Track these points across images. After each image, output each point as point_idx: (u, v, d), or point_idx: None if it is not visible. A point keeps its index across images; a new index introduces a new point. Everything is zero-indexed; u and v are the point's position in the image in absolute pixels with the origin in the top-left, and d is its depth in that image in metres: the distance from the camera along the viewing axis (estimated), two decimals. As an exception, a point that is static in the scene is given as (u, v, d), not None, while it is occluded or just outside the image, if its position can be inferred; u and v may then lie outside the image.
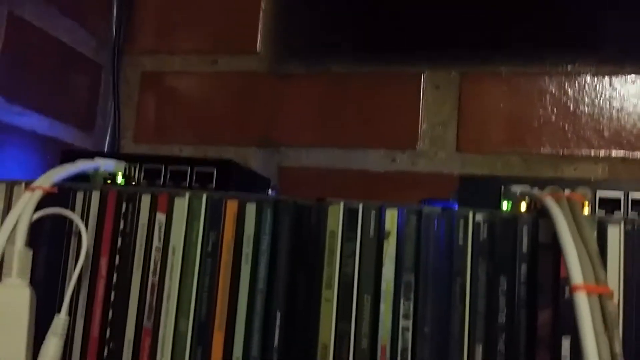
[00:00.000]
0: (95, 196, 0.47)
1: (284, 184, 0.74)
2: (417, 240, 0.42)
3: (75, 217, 0.45)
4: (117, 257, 0.46)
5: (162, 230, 0.46)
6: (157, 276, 0.45)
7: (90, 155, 0.53)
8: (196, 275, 0.45)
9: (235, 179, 0.55)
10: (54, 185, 0.45)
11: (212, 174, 0.54)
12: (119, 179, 0.55)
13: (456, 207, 0.56)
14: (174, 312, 0.45)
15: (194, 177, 0.54)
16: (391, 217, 0.43)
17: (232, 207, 0.45)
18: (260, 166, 0.75)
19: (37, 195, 0.44)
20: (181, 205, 0.46)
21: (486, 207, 0.47)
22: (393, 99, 0.73)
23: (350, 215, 0.43)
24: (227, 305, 0.44)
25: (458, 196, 0.52)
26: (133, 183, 0.55)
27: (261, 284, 0.44)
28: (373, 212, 0.43)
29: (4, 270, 0.41)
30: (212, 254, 0.45)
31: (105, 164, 0.52)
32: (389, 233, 0.42)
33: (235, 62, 0.79)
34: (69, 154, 0.57)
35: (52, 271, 0.47)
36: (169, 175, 0.55)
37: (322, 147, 0.74)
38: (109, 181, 0.53)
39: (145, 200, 0.47)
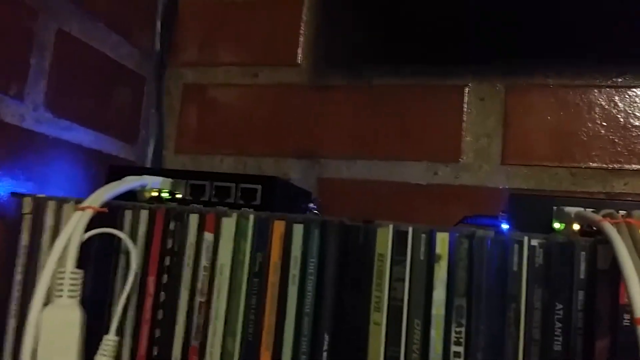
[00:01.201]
0: (144, 215, 0.48)
1: (324, 196, 0.74)
2: (469, 264, 0.41)
3: (125, 237, 0.46)
4: (165, 275, 0.47)
5: (210, 249, 0.46)
6: (205, 295, 0.45)
7: (136, 171, 0.53)
8: (243, 295, 0.45)
9: (279, 195, 0.55)
10: (104, 205, 0.45)
11: (257, 190, 0.54)
12: (165, 195, 0.55)
13: (503, 224, 0.55)
14: (221, 332, 0.45)
15: (239, 194, 0.54)
16: (442, 241, 0.42)
17: (278, 227, 0.45)
18: (300, 178, 0.75)
19: (88, 215, 0.44)
20: (229, 224, 0.46)
21: (535, 225, 0.46)
22: (436, 112, 0.72)
23: (399, 238, 0.43)
24: (275, 326, 0.44)
25: (507, 213, 0.51)
26: (178, 198, 0.55)
27: (308, 306, 0.44)
28: (423, 235, 0.42)
29: (55, 291, 0.42)
30: (259, 274, 0.45)
31: (152, 181, 0.53)
32: (440, 256, 0.42)
33: (275, 75, 0.79)
34: (116, 170, 0.57)
35: (100, 290, 0.47)
36: (214, 191, 0.55)
37: (362, 159, 0.73)
38: (155, 195, 0.54)
39: (193, 219, 0.47)
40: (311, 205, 0.65)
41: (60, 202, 0.49)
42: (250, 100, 0.79)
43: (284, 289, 0.44)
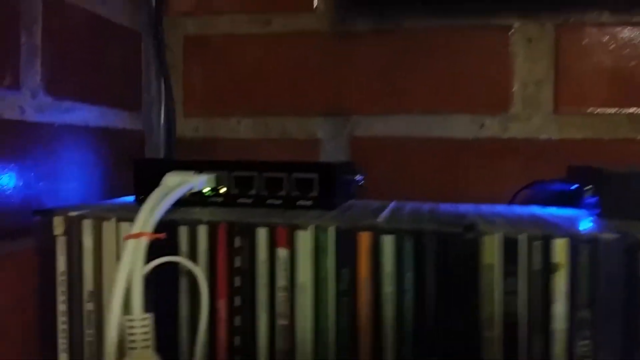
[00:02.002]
0: (203, 231, 0.41)
1: (357, 157, 0.68)
2: (591, 273, 0.37)
3: (192, 266, 0.39)
4: (238, 298, 0.41)
5: (287, 267, 0.40)
6: (287, 318, 0.40)
7: (166, 164, 0.47)
8: (333, 316, 0.40)
9: (338, 183, 0.49)
10: (157, 229, 0.39)
11: (313, 180, 0.48)
12: (207, 192, 0.48)
13: (573, 188, 0.50)
14: (309, 358, 0.40)
15: (293, 185, 0.48)
16: (560, 247, 0.37)
17: (364, 239, 0.39)
18: (329, 138, 0.69)
19: (144, 244, 0.38)
20: (304, 239, 0.40)
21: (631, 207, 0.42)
22: (478, 57, 0.65)
23: (508, 246, 0.38)
24: (371, 350, 0.39)
25: (596, 193, 0.46)
26: (222, 193, 0.49)
27: (409, 326, 0.39)
28: (537, 243, 0.37)
29: (128, 343, 0.36)
30: (348, 293, 0.40)
31: (198, 182, 0.46)
32: (558, 265, 0.37)
33: (290, 21, 0.69)
34: (143, 164, 0.50)
35: (164, 316, 0.41)
36: (263, 183, 0.48)
37: (399, 114, 0.67)
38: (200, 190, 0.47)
39: (262, 234, 0.40)
40: (358, 177, 0.59)
41: (99, 220, 0.42)
42: (264, 52, 0.70)
43: (378, 308, 0.39)
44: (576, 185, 0.53)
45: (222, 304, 0.41)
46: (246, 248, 0.41)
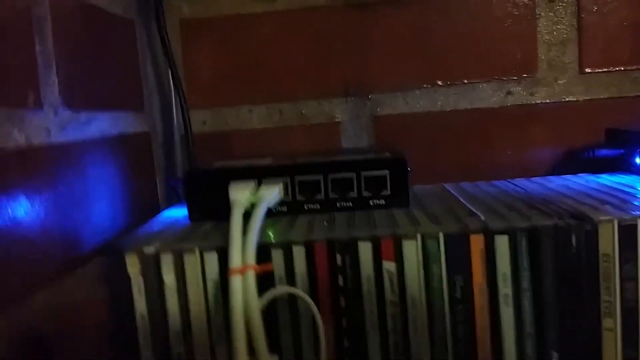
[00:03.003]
0: (299, 252, 0.38)
1: (381, 136, 0.65)
2: None
3: (305, 296, 0.36)
4: (343, 319, 0.38)
5: (395, 280, 0.38)
6: (400, 334, 0.38)
7: (218, 174, 0.43)
8: (448, 327, 0.38)
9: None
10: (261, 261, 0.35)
11: (385, 177, 0.45)
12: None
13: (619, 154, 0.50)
14: (427, 372, 0.38)
15: (363, 185, 0.45)
16: (679, 230, 0.36)
17: (477, 242, 0.37)
18: (350, 119, 0.65)
19: (252, 279, 0.34)
20: (411, 248, 0.38)
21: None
22: (500, 21, 0.63)
23: (626, 233, 0.37)
24: (491, 355, 0.38)
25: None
26: (286, 201, 0.45)
27: (529, 327, 0.38)
28: (656, 227, 0.37)
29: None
30: (462, 301, 0.38)
31: (273, 196, 0.42)
32: (678, 249, 0.36)
33: (298, -4, 0.65)
34: (194, 176, 0.46)
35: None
36: (330, 186, 0.45)
37: (421, 88, 0.64)
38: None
39: (365, 248, 0.38)
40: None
41: (180, 252, 0.38)
42: (271, 32, 0.65)
43: (495, 312, 0.38)
44: (621, 151, 0.53)
45: (328, 328, 0.38)
46: (349, 265, 0.38)
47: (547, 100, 0.63)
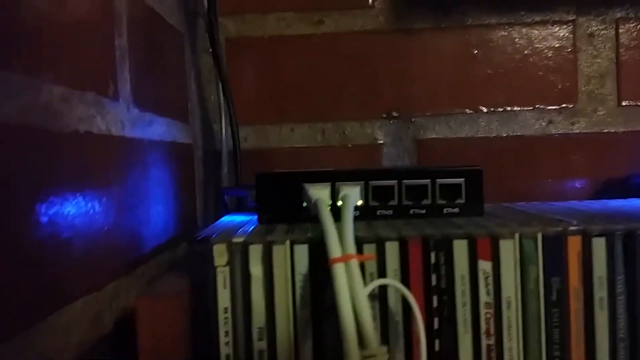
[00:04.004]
0: (392, 248, 0.37)
1: (423, 160, 0.65)
2: None
3: (405, 290, 0.35)
4: (436, 319, 0.37)
5: (490, 281, 0.37)
6: (493, 337, 0.37)
7: (289, 178, 0.42)
8: (542, 330, 0.37)
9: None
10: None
11: (460, 185, 0.45)
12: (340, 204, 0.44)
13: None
14: (520, 377, 0.37)
15: (437, 192, 0.45)
16: None
17: (574, 244, 0.37)
18: (393, 141, 0.66)
19: (356, 267, 0.33)
20: (508, 248, 0.37)
21: None
22: (542, 53, 0.65)
23: None
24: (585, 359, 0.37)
25: None
26: (359, 205, 0.44)
27: (622, 332, 0.37)
28: None
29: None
30: (557, 304, 0.37)
31: (356, 195, 0.42)
32: None
33: (345, 19, 0.66)
34: (266, 178, 0.45)
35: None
36: (404, 192, 0.45)
37: (465, 114, 0.65)
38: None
39: (460, 246, 0.37)
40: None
41: (268, 244, 0.37)
42: (316, 53, 0.66)
43: (590, 317, 0.37)
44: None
45: (418, 327, 0.37)
46: (444, 264, 0.37)
47: (586, 131, 0.64)
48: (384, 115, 0.65)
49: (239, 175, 0.61)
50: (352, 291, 0.32)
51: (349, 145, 0.66)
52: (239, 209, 0.59)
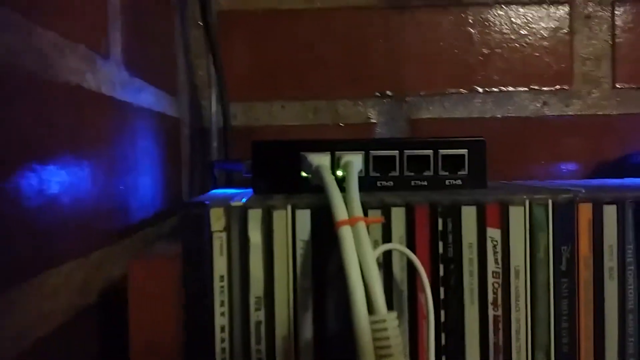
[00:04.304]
0: (398, 214, 0.36)
1: (417, 139, 0.64)
2: None
3: (410, 254, 0.33)
4: (442, 289, 0.36)
5: (498, 249, 0.36)
6: (500, 308, 0.36)
7: (285, 147, 0.41)
8: (551, 300, 0.36)
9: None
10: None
11: (463, 156, 0.43)
12: (341, 174, 0.42)
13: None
14: (527, 349, 0.36)
15: (439, 163, 0.43)
16: None
17: (585, 211, 0.36)
18: (386, 121, 0.64)
19: (363, 230, 0.32)
20: (518, 215, 0.36)
21: None
22: (537, 33, 0.64)
23: None
24: (593, 331, 0.36)
25: None
26: (360, 176, 0.43)
27: (632, 302, 0.36)
28: None
29: (377, 351, 0.29)
30: (567, 273, 0.36)
31: (358, 163, 0.40)
32: None
33: (339, -5, 0.64)
34: (262, 147, 0.43)
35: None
36: (405, 163, 0.43)
37: (460, 94, 0.64)
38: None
39: (469, 213, 0.36)
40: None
41: (268, 208, 0.35)
42: (309, 29, 0.64)
43: (599, 287, 0.36)
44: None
45: (423, 298, 0.36)
46: (451, 231, 0.36)
47: (581, 113, 0.64)
48: (378, 94, 0.64)
49: (228, 152, 0.58)
50: (360, 255, 0.31)
51: (341, 124, 0.64)
52: (228, 184, 0.57)
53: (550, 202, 0.36)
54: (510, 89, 0.64)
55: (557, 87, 0.64)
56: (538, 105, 0.64)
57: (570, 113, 0.64)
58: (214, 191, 0.49)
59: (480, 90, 0.64)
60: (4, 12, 0.26)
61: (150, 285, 0.33)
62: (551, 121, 0.64)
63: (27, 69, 0.28)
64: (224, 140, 0.59)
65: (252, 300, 0.35)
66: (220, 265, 0.35)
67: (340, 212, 0.32)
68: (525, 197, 0.36)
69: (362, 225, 0.32)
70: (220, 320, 0.35)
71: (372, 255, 0.31)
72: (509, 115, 0.64)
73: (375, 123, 0.64)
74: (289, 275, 0.35)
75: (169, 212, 0.54)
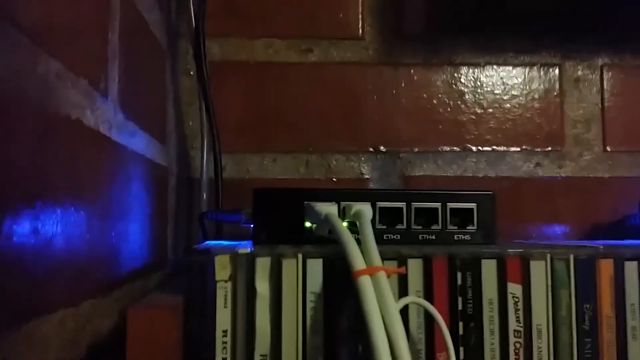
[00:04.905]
0: (415, 266, 0.34)
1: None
2: None
3: (434, 311, 0.31)
4: (462, 349, 0.33)
5: (520, 306, 0.34)
6: (522, 370, 0.34)
7: (288, 195, 0.39)
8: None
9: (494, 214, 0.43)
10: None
11: (472, 211, 0.42)
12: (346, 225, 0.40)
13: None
14: (551, 416, 0.33)
15: (447, 217, 0.42)
16: None
17: (606, 268, 0.35)
18: (380, 177, 0.63)
19: (384, 280, 0.30)
20: (540, 270, 0.34)
21: None
22: (528, 95, 0.65)
23: None
24: (619, 396, 0.34)
25: None
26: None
27: (657, 364, 0.34)
28: None
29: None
30: (590, 333, 0.34)
31: (369, 213, 0.38)
32: None
33: (334, 50, 0.64)
34: (264, 194, 0.41)
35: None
36: (412, 216, 0.41)
37: (453, 152, 0.64)
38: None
39: (489, 266, 0.34)
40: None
41: (277, 257, 0.33)
42: (302, 83, 0.64)
43: (622, 347, 0.34)
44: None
45: (442, 358, 0.33)
46: (470, 286, 0.34)
47: (574, 175, 0.64)
48: (371, 149, 0.63)
49: (220, 204, 0.56)
50: (382, 307, 0.28)
51: (334, 179, 0.62)
52: (219, 237, 0.55)
53: (572, 257, 0.34)
54: (503, 148, 0.64)
55: (549, 148, 0.64)
56: (531, 166, 0.64)
57: (562, 174, 0.64)
58: (207, 243, 0.46)
59: (474, 149, 0.64)
60: (13, 32, 0.24)
61: (150, 336, 0.29)
62: (544, 182, 0.64)
63: (31, 95, 0.26)
64: (215, 191, 0.57)
65: (257, 359, 0.32)
66: (223, 318, 0.32)
67: (358, 261, 0.30)
68: (546, 251, 0.34)
69: (383, 276, 0.30)
70: (224, 383, 0.32)
71: (395, 308, 0.29)
72: (503, 175, 0.64)
73: (368, 179, 0.63)
74: (298, 330, 0.32)
75: (154, 266, 0.51)
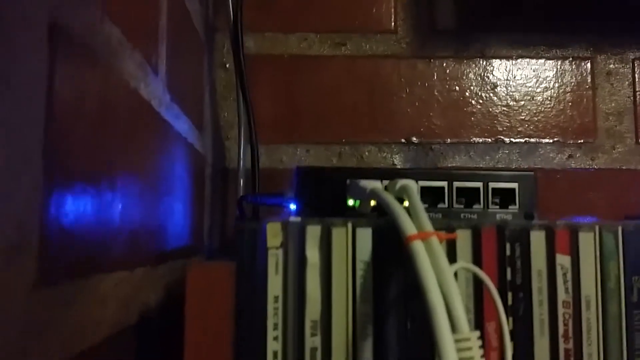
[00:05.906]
0: (464, 236, 0.34)
1: (442, 188, 0.63)
2: None
3: (486, 278, 0.31)
4: (511, 319, 0.33)
5: (568, 277, 0.34)
6: (571, 341, 0.34)
7: (330, 173, 0.39)
8: (623, 334, 0.34)
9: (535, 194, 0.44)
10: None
11: (514, 190, 0.42)
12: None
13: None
14: (601, 388, 0.33)
15: (489, 196, 0.42)
16: None
17: (655, 240, 0.35)
18: (411, 168, 0.63)
19: (437, 244, 0.30)
20: (588, 242, 0.34)
21: None
22: (562, 87, 0.65)
23: None
24: (669, 369, 0.34)
25: None
26: (405, 206, 0.41)
27: None
28: None
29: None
30: (638, 305, 0.34)
31: (412, 183, 0.38)
32: None
33: (367, 44, 0.65)
34: (306, 173, 0.42)
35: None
36: (454, 194, 0.42)
37: (486, 143, 0.64)
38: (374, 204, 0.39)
39: (537, 238, 0.34)
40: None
41: (327, 226, 0.33)
42: (336, 75, 0.64)
43: (672, 320, 0.34)
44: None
45: (491, 329, 0.33)
46: (519, 257, 0.34)
47: (606, 167, 0.64)
48: (403, 141, 0.63)
49: (256, 191, 0.57)
50: (436, 270, 0.29)
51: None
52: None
53: (620, 229, 0.34)
54: (536, 140, 0.64)
55: (582, 140, 0.64)
56: (564, 158, 0.64)
57: (595, 166, 0.64)
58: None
59: (507, 140, 0.64)
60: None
61: (209, 292, 0.30)
62: (577, 174, 0.64)
63: (99, 55, 0.27)
64: (252, 179, 0.58)
65: (307, 325, 0.33)
66: (275, 284, 0.32)
67: (409, 226, 0.31)
68: (595, 223, 0.34)
69: (435, 240, 0.30)
70: (273, 345, 0.32)
71: (449, 271, 0.29)
72: (535, 166, 0.64)
73: (399, 170, 0.63)
74: (348, 298, 0.33)
75: (194, 248, 0.52)
